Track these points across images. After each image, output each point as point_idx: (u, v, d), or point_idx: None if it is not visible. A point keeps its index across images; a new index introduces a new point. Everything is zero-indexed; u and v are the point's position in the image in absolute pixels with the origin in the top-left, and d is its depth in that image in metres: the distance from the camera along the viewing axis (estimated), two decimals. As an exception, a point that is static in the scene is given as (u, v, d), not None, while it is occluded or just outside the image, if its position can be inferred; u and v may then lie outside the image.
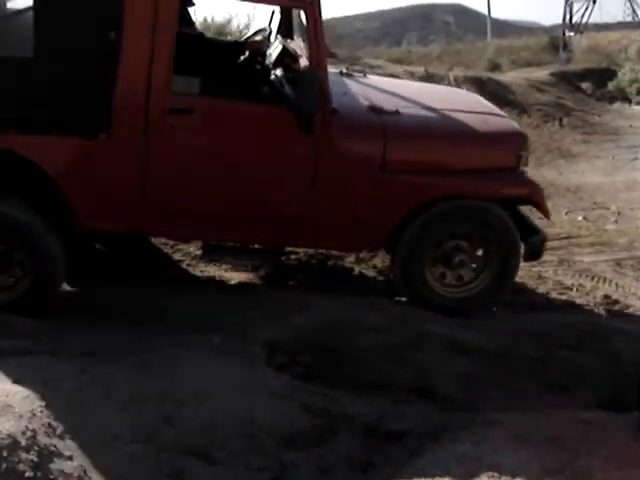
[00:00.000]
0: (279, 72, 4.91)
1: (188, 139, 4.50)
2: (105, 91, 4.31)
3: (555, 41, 33.25)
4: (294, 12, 5.45)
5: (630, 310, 5.84)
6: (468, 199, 4.89)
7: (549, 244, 7.20)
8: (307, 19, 4.48)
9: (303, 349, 4.33)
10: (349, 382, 4.15)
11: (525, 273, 6.29)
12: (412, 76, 14.18)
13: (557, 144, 13.54)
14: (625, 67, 24.13)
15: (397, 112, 4.84)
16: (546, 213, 5.26)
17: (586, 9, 37.78)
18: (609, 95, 21.75)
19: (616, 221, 8.66)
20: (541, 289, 6.06)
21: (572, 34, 36.26)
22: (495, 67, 25.62)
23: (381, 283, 5.74)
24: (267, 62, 5.20)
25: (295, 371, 4.14)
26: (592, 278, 6.41)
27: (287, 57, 5.05)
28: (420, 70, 15.33)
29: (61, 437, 2.85)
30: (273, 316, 4.59)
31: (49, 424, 2.86)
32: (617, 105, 20.90)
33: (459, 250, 4.95)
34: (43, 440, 2.76)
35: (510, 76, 19.92)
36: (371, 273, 5.92)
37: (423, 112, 5.08)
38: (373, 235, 4.89)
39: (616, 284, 6.34)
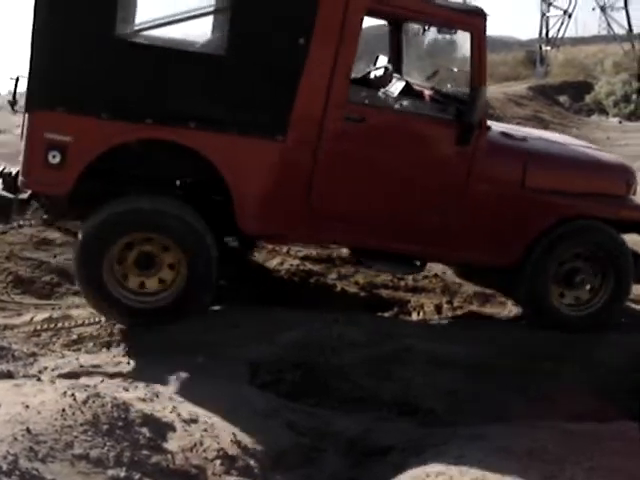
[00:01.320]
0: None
1: (357, 147, 4.66)
2: (287, 95, 4.42)
3: (532, 55, 33.65)
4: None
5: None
6: (592, 220, 5.21)
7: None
8: (473, 41, 4.72)
9: (287, 367, 4.34)
10: (333, 399, 4.16)
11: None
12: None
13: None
14: (602, 80, 24.47)
15: (529, 139, 5.39)
16: None
17: (562, 23, 38.28)
18: (586, 108, 22.09)
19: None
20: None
21: (549, 48, 36.68)
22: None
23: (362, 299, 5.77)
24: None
25: (279, 389, 4.15)
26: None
27: (411, 91, 5.26)
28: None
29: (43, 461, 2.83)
30: (256, 335, 4.60)
31: (31, 448, 2.84)
32: (594, 117, 21.22)
33: (580, 270, 5.23)
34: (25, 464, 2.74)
35: (488, 90, 20.11)
36: (353, 289, 5.94)
37: (549, 142, 5.67)
38: (511, 249, 5.09)
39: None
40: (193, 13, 4.58)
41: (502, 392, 4.45)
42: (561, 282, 5.25)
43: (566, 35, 38.69)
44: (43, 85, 4.24)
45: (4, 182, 4.65)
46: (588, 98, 22.72)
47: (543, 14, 38.73)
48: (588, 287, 5.32)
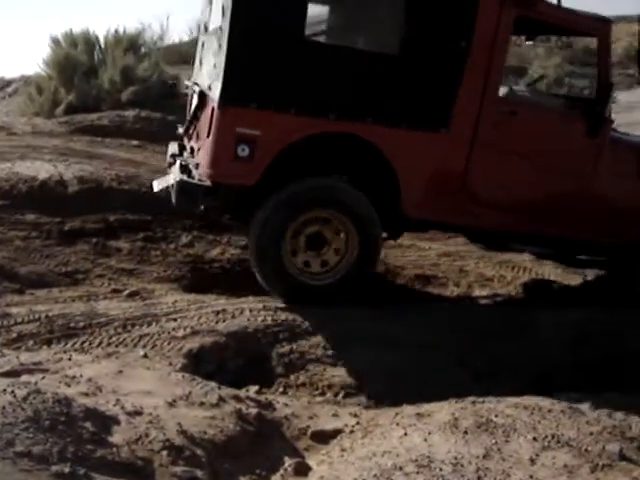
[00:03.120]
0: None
1: (509, 137, 5.11)
2: (451, 92, 4.89)
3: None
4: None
5: (550, 297, 6.01)
6: None
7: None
8: (601, 45, 5.31)
9: (230, 356, 4.32)
10: (278, 385, 4.16)
11: (447, 267, 6.42)
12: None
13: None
14: (534, 64, 24.90)
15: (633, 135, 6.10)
16: None
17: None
18: (521, 91, 22.51)
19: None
20: (464, 282, 6.17)
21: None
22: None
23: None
24: None
25: (223, 378, 4.13)
26: (513, 268, 6.58)
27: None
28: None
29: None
30: (198, 324, 4.56)
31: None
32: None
33: None
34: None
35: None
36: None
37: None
38: (631, 231, 5.55)
39: (536, 273, 6.51)
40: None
41: (448, 371, 4.51)
42: None
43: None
44: (238, 84, 4.58)
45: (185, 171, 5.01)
46: (522, 83, 23.05)
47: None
48: None
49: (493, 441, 3.46)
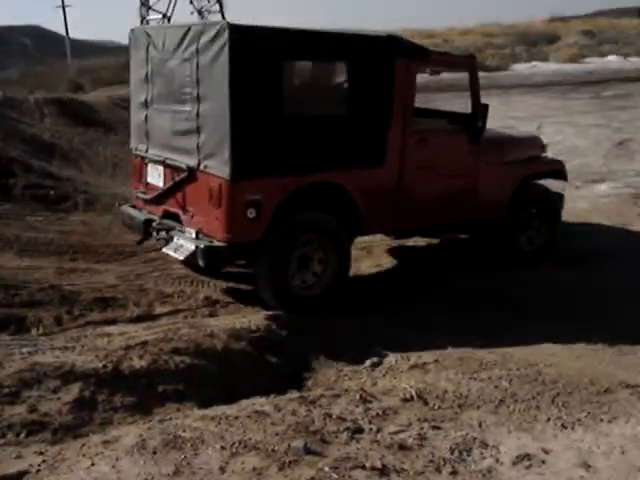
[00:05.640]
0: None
1: (423, 158, 6.65)
2: (383, 137, 6.36)
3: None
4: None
5: (230, 307, 6.21)
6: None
7: (147, 256, 7.37)
8: (470, 74, 7.03)
9: None
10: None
11: (126, 288, 6.34)
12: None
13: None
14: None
15: (491, 131, 7.61)
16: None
17: (160, 28, 39.22)
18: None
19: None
20: (144, 301, 6.13)
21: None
22: (78, 87, 25.23)
23: None
24: None
25: None
26: (191, 283, 6.69)
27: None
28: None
29: None
30: None
31: None
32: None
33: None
34: None
35: (93, 95, 19.77)
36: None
37: (507, 134, 8.35)
38: (496, 208, 7.43)
39: (214, 285, 6.67)
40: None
41: (134, 394, 4.45)
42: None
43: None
44: (243, 163, 5.55)
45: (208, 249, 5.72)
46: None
47: (143, 18, 39.35)
48: None
49: (182, 456, 3.49)
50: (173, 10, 39.02)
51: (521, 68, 31.23)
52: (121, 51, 40.63)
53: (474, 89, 7.05)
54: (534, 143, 8.17)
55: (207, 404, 4.39)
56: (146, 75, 6.45)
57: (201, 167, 5.75)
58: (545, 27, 43.99)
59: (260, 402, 4.30)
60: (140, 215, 6.55)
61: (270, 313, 5.80)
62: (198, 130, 5.73)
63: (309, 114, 5.98)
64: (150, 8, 39.29)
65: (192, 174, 5.88)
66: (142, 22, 38.93)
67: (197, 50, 5.66)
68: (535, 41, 36.43)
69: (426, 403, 4.39)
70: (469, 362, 5.02)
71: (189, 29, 5.81)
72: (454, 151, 7.01)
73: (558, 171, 8.12)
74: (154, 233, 6.34)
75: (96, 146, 12.92)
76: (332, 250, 6.18)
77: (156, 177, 6.41)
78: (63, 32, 50.51)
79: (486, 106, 7.04)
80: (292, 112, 5.76)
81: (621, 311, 6.32)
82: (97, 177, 11.52)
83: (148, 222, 6.37)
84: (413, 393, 4.47)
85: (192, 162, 5.84)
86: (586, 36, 44.11)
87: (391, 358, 5.19)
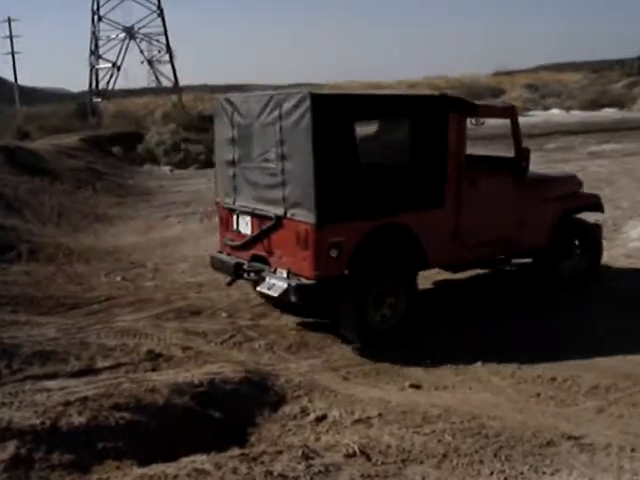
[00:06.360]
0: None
1: (476, 198, 7.42)
2: (440, 182, 7.20)
3: (83, 107, 33.80)
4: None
5: (173, 360, 6.10)
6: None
7: (90, 308, 7.25)
8: (512, 122, 7.93)
9: None
10: None
11: (68, 341, 6.21)
12: None
13: (92, 209, 13.65)
14: (152, 130, 25.47)
15: (537, 171, 8.73)
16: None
17: (111, 76, 39.24)
18: (139, 158, 22.72)
19: (153, 277, 9.06)
20: (85, 355, 6.00)
21: (99, 100, 37.21)
22: (25, 135, 25.05)
23: None
24: None
25: None
26: (134, 336, 6.57)
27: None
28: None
29: None
30: None
31: None
32: (147, 167, 21.87)
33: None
34: None
35: (40, 143, 19.62)
36: None
37: (548, 173, 9.54)
38: (542, 239, 8.25)
39: (158, 338, 6.58)
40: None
41: (71, 451, 4.33)
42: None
43: (117, 87, 39.79)
44: (325, 210, 6.39)
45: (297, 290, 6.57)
46: (140, 148, 23.37)
47: (92, 66, 39.35)
48: None
49: None
50: (123, 59, 39.10)
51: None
52: (70, 99, 40.58)
53: (516, 135, 7.92)
54: (572, 181, 8.92)
55: (147, 462, 4.29)
56: (232, 138, 7.35)
57: (288, 215, 6.64)
58: (490, 81, 45.27)
59: (201, 460, 4.21)
60: (231, 260, 7.44)
61: (214, 368, 5.71)
62: (283, 184, 6.65)
63: (378, 165, 6.80)
64: (100, 57, 39.31)
65: (279, 222, 6.75)
66: (92, 71, 38.96)
67: (280, 115, 6.58)
68: (481, 94, 37.28)
69: (369, 459, 4.36)
70: (413, 416, 5.00)
71: (271, 97, 6.79)
72: (502, 191, 7.80)
73: (595, 204, 8.94)
74: (245, 274, 7.23)
75: (41, 195, 12.79)
76: (403, 289, 6.97)
77: (244, 226, 7.31)
78: (11, 78, 50.26)
79: (527, 149, 7.91)
80: (364, 165, 6.62)
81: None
82: (42, 227, 11.39)
83: (238, 265, 7.25)
84: (356, 449, 4.44)
85: (279, 211, 6.72)
86: (529, 89, 45.53)
87: (335, 412, 5.15)
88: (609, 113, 37.30)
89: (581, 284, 8.40)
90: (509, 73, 53.73)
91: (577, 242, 8.61)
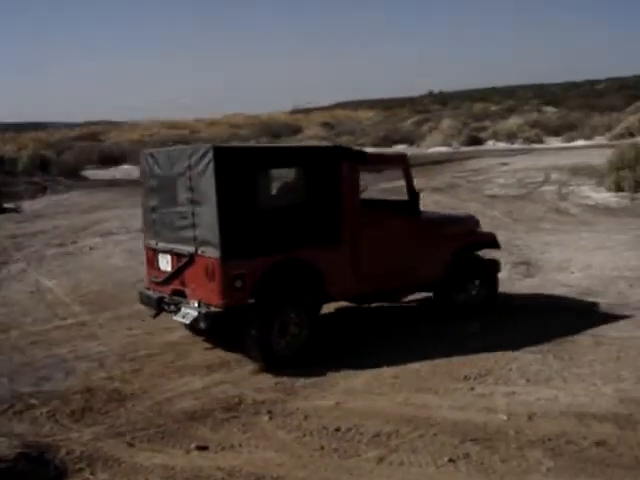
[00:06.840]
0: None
1: (371, 236, 8.33)
2: (337, 221, 8.08)
3: None
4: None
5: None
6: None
7: None
8: (404, 170, 8.81)
9: None
10: None
11: None
12: None
13: None
14: None
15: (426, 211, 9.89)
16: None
17: None
18: None
19: None
20: None
21: None
22: None
23: None
24: None
25: None
26: None
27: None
28: None
29: None
30: None
31: None
32: None
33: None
34: None
35: None
36: None
37: (443, 213, 11.19)
38: (436, 273, 9.10)
39: None
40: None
41: None
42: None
43: None
44: (229, 247, 7.23)
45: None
46: None
47: None
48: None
49: None
50: None
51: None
52: None
53: (408, 180, 8.78)
54: (468, 220, 9.93)
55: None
56: (153, 187, 8.25)
57: (199, 252, 7.46)
58: (287, 118, 46.40)
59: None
60: (154, 294, 8.21)
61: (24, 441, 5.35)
62: (194, 225, 7.49)
63: (276, 208, 7.70)
64: None
65: (192, 258, 7.56)
66: None
67: (189, 166, 7.41)
68: (279, 132, 38.15)
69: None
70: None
71: (183, 150, 7.73)
72: (396, 230, 8.68)
73: (491, 242, 9.84)
74: (166, 307, 7.97)
75: None
76: (306, 320, 7.69)
77: (164, 263, 8.13)
78: None
79: (418, 193, 8.85)
80: (263, 207, 7.51)
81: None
82: None
83: (160, 299, 8.06)
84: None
85: (191, 249, 7.56)
86: (325, 127, 47.09)
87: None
88: (400, 149, 39.37)
89: (474, 313, 9.24)
90: (307, 111, 55.40)
91: (475, 276, 9.42)
